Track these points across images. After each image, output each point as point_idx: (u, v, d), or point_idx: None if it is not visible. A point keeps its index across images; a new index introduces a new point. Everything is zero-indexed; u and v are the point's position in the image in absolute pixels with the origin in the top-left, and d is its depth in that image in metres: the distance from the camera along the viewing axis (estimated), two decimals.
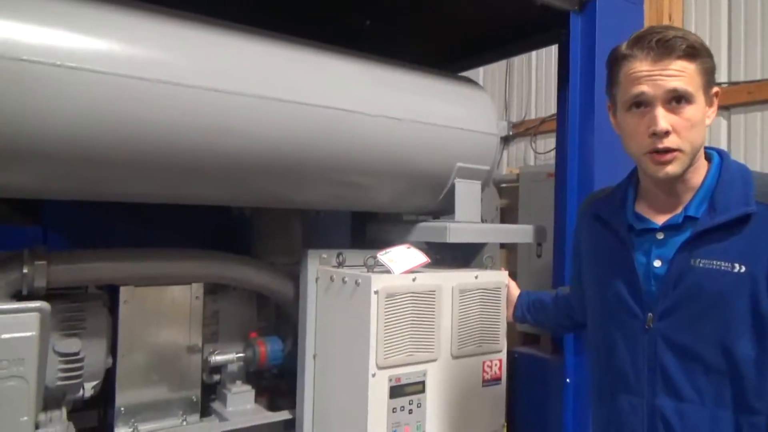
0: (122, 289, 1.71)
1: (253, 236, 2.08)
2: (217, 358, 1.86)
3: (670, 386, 1.12)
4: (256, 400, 1.93)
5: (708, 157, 1.18)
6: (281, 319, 2.06)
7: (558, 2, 1.88)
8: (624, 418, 1.19)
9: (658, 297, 1.14)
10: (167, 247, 1.74)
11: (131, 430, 1.70)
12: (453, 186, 1.83)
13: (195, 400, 1.82)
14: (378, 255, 1.56)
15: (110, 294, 1.74)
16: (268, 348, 1.90)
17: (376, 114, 1.62)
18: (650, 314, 1.15)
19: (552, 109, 3.96)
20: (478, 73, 4.58)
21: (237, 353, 1.89)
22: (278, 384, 2.06)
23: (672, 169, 1.09)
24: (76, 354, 1.54)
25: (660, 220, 1.17)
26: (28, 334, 1.28)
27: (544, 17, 1.94)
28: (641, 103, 1.10)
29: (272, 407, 1.95)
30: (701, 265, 1.10)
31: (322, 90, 1.54)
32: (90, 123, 1.25)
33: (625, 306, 1.19)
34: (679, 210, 1.15)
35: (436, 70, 1.93)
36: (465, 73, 2.26)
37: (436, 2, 1.91)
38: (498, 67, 4.73)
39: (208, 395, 1.94)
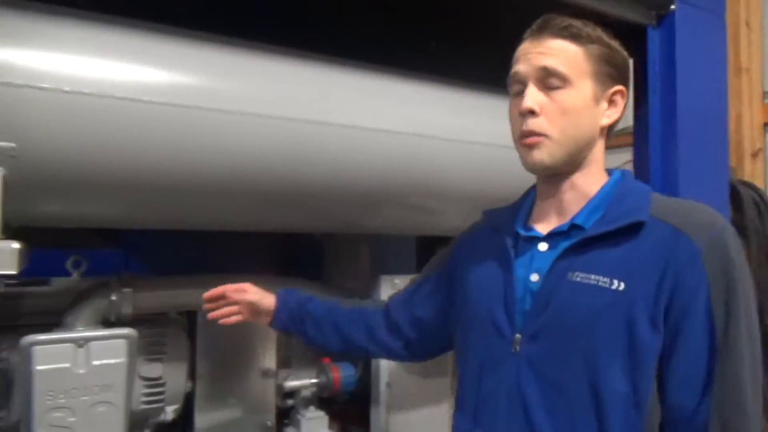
0: (200, 314, 1.75)
1: (322, 261, 2.09)
2: (292, 383, 1.86)
3: (528, 423, 0.94)
4: (329, 426, 1.92)
5: (609, 175, 1.07)
6: None
7: (633, 18, 1.81)
8: None
9: (530, 316, 0.97)
10: (241, 272, 1.77)
11: None
12: None
13: (270, 425, 1.83)
14: None
15: (189, 319, 1.78)
16: (341, 374, 1.89)
17: (450, 138, 1.61)
18: (518, 335, 0.98)
19: (621, 123, 3.83)
20: None
21: (311, 378, 1.89)
22: (350, 410, 2.04)
23: (539, 155, 0.97)
24: (159, 378, 1.58)
25: (544, 230, 1.03)
26: (118, 360, 1.32)
27: (617, 34, 1.88)
28: (521, 88, 1.00)
29: None
30: (578, 279, 0.94)
31: (396, 116, 1.55)
32: (170, 155, 1.29)
33: (495, 325, 1.01)
34: (568, 219, 1.01)
35: (505, 90, 1.90)
36: None
37: (501, 21, 1.88)
38: None
39: (282, 420, 1.95)
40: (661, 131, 1.80)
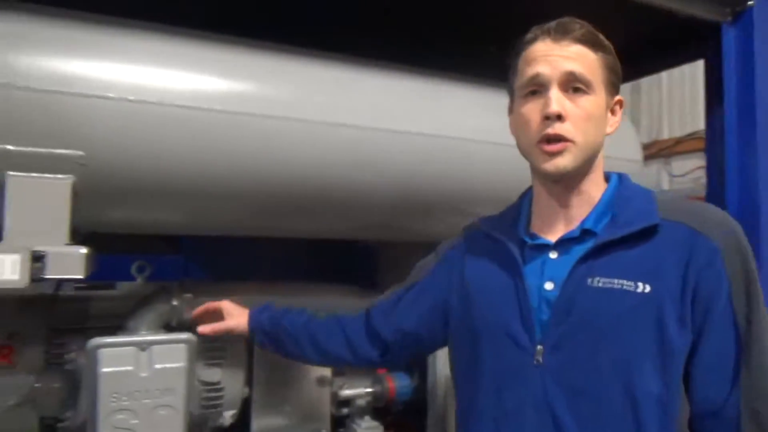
0: None
1: (377, 269, 2.08)
2: (347, 392, 1.85)
3: None
4: None
5: (607, 178, 1.06)
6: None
7: (706, 14, 1.72)
8: None
9: (550, 326, 0.95)
10: (296, 279, 1.78)
11: None
12: None
13: None
14: None
15: None
16: (396, 384, 1.86)
17: (510, 143, 1.56)
18: (540, 347, 0.95)
19: (688, 128, 3.66)
20: None
21: (366, 388, 1.87)
22: (404, 420, 2.01)
23: (563, 161, 0.95)
24: (218, 383, 1.59)
25: (552, 237, 1.02)
26: (179, 365, 1.34)
27: (687, 32, 1.79)
28: (537, 89, 0.98)
29: None
30: (599, 284, 0.93)
31: (451, 121, 1.52)
32: (229, 162, 1.31)
33: (511, 336, 0.99)
34: (576, 225, 1.00)
35: None
36: None
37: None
38: (623, 86, 4.47)
39: (336, 429, 1.93)
40: (739, 134, 1.69)
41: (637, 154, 1.78)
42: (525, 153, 1.03)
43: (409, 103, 1.51)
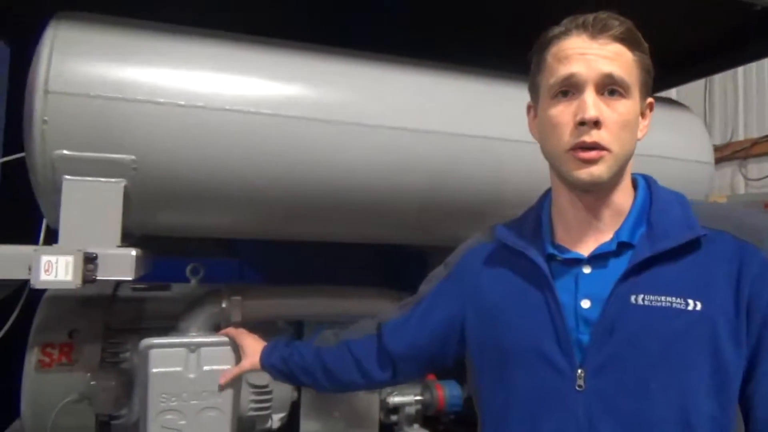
0: (306, 324, 1.77)
1: (427, 274, 2.03)
2: (395, 399, 1.82)
3: None
4: None
5: (633, 182, 0.97)
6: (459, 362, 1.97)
7: None
8: None
9: (592, 347, 0.87)
10: (348, 284, 1.77)
11: None
12: None
13: None
14: None
15: (296, 329, 1.80)
16: (446, 392, 1.82)
17: None
18: (580, 370, 0.87)
19: (767, 128, 3.42)
20: (671, 94, 4.14)
21: (415, 395, 1.84)
22: (456, 430, 1.96)
23: (598, 171, 0.86)
24: (266, 386, 1.60)
25: (584, 250, 0.92)
26: (226, 366, 1.35)
27: (765, 24, 1.65)
28: (569, 90, 0.88)
29: None
30: (645, 302, 0.86)
31: (510, 124, 1.46)
32: (278, 165, 1.32)
33: (547, 359, 0.90)
34: (609, 237, 0.91)
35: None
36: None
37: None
38: (695, 84, 4.23)
39: None
40: None
41: (708, 156, 1.66)
42: (552, 159, 0.93)
43: (466, 106, 1.48)
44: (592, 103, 0.85)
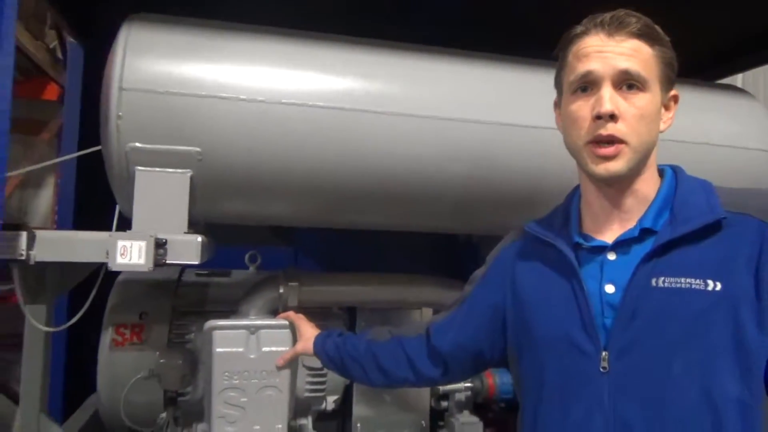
0: (359, 310, 1.82)
1: (479, 263, 2.05)
2: (446, 386, 1.85)
3: None
4: None
5: (661, 173, 0.99)
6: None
7: None
8: None
9: (615, 330, 0.90)
10: (400, 271, 1.81)
11: None
12: None
13: (424, 425, 1.84)
14: None
15: (350, 315, 1.86)
16: (496, 380, 1.84)
17: None
18: (605, 353, 0.90)
19: None
20: (736, 80, 3.95)
21: (465, 382, 1.86)
22: (506, 418, 1.97)
23: (615, 166, 0.90)
24: (321, 369, 1.66)
25: (609, 237, 0.96)
26: (284, 348, 1.41)
27: None
28: (588, 85, 0.93)
29: None
30: (665, 284, 0.88)
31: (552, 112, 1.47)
32: (335, 156, 1.36)
33: (574, 343, 0.93)
34: (633, 224, 0.94)
35: (691, 80, 1.69)
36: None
37: (684, 10, 1.69)
38: (763, 71, 4.03)
39: (436, 421, 1.94)
40: None
41: None
42: (573, 152, 0.98)
43: (515, 96, 1.49)
44: (608, 98, 0.90)
